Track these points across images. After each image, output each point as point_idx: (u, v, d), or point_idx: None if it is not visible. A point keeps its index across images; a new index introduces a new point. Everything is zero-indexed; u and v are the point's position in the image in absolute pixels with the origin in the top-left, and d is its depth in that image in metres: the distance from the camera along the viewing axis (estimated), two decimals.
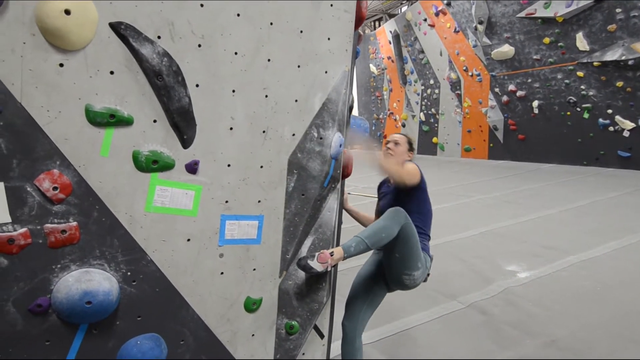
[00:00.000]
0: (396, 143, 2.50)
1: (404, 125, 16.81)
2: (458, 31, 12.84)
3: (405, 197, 2.35)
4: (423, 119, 15.60)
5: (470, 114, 13.21)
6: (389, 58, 17.17)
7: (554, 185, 8.33)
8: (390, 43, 16.69)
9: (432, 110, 15.05)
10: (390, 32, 16.41)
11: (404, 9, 16.53)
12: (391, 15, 19.85)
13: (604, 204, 6.60)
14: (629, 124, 9.00)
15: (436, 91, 14.74)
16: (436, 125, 14.99)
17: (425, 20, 14.24)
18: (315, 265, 1.83)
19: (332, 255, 1.87)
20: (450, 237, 5.38)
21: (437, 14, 13.60)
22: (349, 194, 2.74)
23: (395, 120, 17.31)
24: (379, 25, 20.09)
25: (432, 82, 14.85)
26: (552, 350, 2.81)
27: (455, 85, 13.68)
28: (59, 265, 1.43)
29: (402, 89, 16.66)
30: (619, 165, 9.31)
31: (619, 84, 8.94)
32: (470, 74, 12.83)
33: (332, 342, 2.16)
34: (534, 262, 4.38)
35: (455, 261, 4.56)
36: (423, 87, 15.41)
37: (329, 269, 1.87)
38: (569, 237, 5.11)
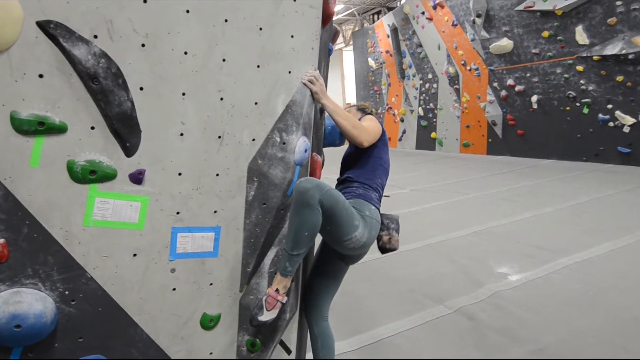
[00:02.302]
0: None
1: (402, 120, 16.65)
2: (456, 25, 12.64)
3: (357, 150, 2.17)
4: (421, 113, 15.43)
5: (469, 109, 13.03)
6: (387, 52, 16.97)
7: (552, 182, 8.19)
8: (388, 37, 16.49)
9: (431, 105, 14.88)
10: (389, 25, 16.20)
11: (402, 1, 16.31)
12: (390, 9, 19.62)
13: (601, 201, 6.46)
14: (629, 120, 8.83)
15: (434, 86, 14.55)
16: (434, 120, 14.82)
17: (423, 13, 14.03)
18: (267, 316, 1.70)
19: (277, 292, 1.73)
20: (443, 236, 5.25)
21: (434, 7, 13.40)
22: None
23: (394, 115, 17.14)
24: (378, 19, 19.87)
25: (430, 76, 14.66)
26: (539, 358, 2.70)
27: (453, 80, 13.50)
28: None
29: (401, 83, 16.48)
30: (618, 162, 9.14)
31: (619, 78, 8.76)
32: (468, 68, 12.65)
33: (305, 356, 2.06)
34: (527, 263, 4.26)
35: (446, 262, 4.45)
36: (421, 82, 15.23)
37: (284, 301, 1.74)
38: (564, 237, 4.99)
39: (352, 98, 22.99)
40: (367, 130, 2.04)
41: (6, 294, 1.32)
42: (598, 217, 5.70)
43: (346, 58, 23.93)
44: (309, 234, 1.69)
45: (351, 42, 21.29)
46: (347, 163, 2.25)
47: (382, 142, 2.19)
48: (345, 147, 2.41)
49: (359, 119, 2.18)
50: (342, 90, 24.86)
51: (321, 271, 2.16)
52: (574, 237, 4.96)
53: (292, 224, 1.71)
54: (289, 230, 1.73)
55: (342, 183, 2.18)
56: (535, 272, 4.03)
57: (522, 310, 3.33)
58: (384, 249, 2.08)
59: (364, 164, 2.14)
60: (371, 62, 18.64)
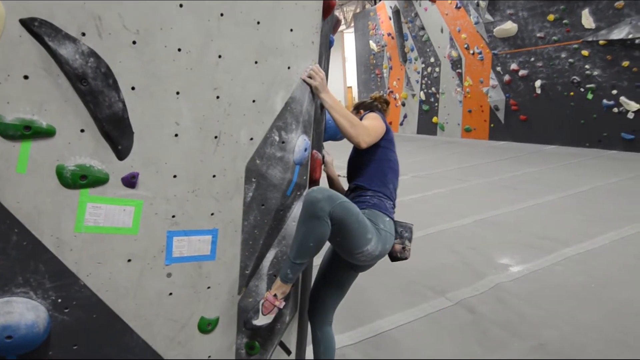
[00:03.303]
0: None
1: (403, 104, 16.49)
2: (459, 7, 12.39)
3: (361, 152, 2.03)
4: (423, 98, 15.27)
5: (471, 94, 12.88)
6: (389, 34, 16.71)
7: (554, 169, 8.12)
8: (390, 19, 16.20)
9: (433, 89, 14.70)
10: (391, 7, 15.91)
11: None
12: None
13: (605, 189, 6.40)
14: (634, 106, 8.70)
15: (437, 69, 14.35)
16: (436, 104, 14.66)
17: None
18: (262, 320, 1.66)
19: (275, 297, 1.68)
20: (444, 225, 5.21)
21: None
22: (341, 176, 2.45)
23: (395, 99, 16.96)
24: (380, 0, 19.50)
25: (432, 60, 14.45)
26: (540, 354, 2.68)
27: (456, 64, 13.30)
28: None
29: (402, 66, 16.26)
30: (622, 148, 9.05)
31: (625, 63, 8.60)
32: (471, 52, 12.45)
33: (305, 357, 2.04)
34: (528, 254, 4.23)
35: (448, 253, 4.42)
36: (423, 65, 15.02)
37: (282, 307, 1.70)
38: (566, 226, 4.95)
39: (353, 81, 22.75)
40: (366, 130, 1.91)
41: None
42: (601, 206, 5.65)
43: (347, 40, 23.61)
44: (314, 245, 1.63)
45: (352, 24, 20.96)
46: (354, 166, 2.13)
47: (387, 141, 2.08)
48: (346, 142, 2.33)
49: (362, 117, 2.10)
50: (343, 73, 24.59)
51: (329, 279, 2.10)
52: (577, 226, 4.92)
53: (298, 232, 1.64)
54: (295, 238, 1.67)
55: (353, 191, 2.06)
56: (537, 264, 4.00)
57: (524, 303, 3.31)
58: (394, 258, 2.00)
59: (374, 169, 2.03)
60: (373, 44, 18.38)
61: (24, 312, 1.29)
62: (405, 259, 2.02)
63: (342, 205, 1.64)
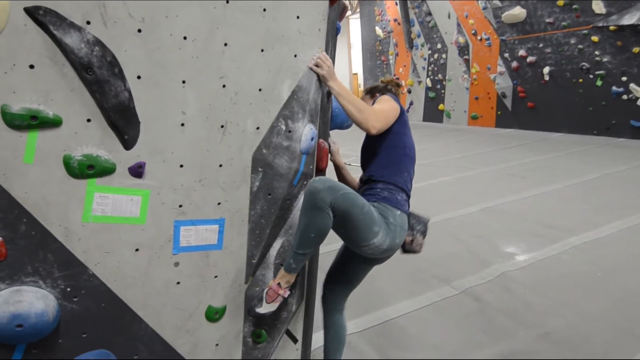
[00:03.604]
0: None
1: (409, 91, 16.35)
2: None
3: (373, 139, 1.96)
4: (429, 85, 15.12)
5: (478, 80, 12.73)
6: (395, 20, 16.49)
7: (561, 157, 8.05)
8: (396, 4, 15.98)
9: (439, 76, 14.55)
10: None
11: None
12: None
13: (612, 178, 6.34)
14: None
15: (443, 56, 14.18)
16: (443, 91, 14.52)
17: None
18: (266, 308, 1.66)
19: (279, 285, 1.68)
20: (450, 214, 5.21)
21: None
22: (348, 164, 2.41)
23: (401, 86, 16.82)
24: None
25: (439, 46, 14.26)
26: (546, 343, 2.69)
27: (463, 50, 13.13)
28: None
29: (409, 53, 16.07)
30: (630, 135, 8.94)
31: (636, 49, 8.45)
32: (479, 38, 12.27)
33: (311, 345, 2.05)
34: (535, 243, 4.22)
35: (453, 241, 4.41)
36: (430, 52, 14.84)
37: (286, 296, 1.70)
38: (573, 215, 4.92)
39: (358, 68, 22.54)
40: (376, 114, 1.82)
41: (6, 292, 1.29)
42: (608, 194, 5.61)
43: (353, 26, 23.34)
44: (315, 236, 1.60)
45: (358, 10, 20.70)
46: (367, 155, 2.04)
47: (400, 125, 1.96)
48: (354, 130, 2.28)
49: (373, 102, 2.03)
50: (348, 59, 24.37)
51: (343, 270, 2.08)
52: (583, 215, 4.89)
53: (300, 223, 1.63)
54: (297, 228, 1.65)
55: (365, 183, 1.98)
56: (543, 252, 3.99)
57: (530, 291, 3.30)
58: (404, 249, 1.96)
59: (386, 157, 1.94)
60: (379, 31, 18.15)
61: (34, 300, 1.30)
62: (415, 252, 1.96)
63: (344, 196, 1.60)
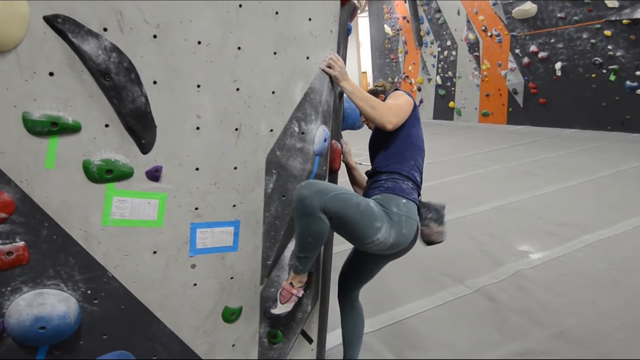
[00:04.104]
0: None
1: (419, 89, 16.28)
2: None
3: (380, 133, 1.94)
4: (439, 82, 15.04)
5: (489, 77, 12.63)
6: (404, 18, 16.43)
7: (574, 154, 7.96)
8: (405, 2, 15.91)
9: (449, 73, 14.46)
10: None
11: None
12: None
13: (627, 174, 6.26)
14: None
15: (453, 53, 14.09)
16: (453, 89, 14.43)
17: None
18: (281, 309, 1.66)
19: (292, 285, 1.69)
20: (462, 212, 5.18)
21: None
22: (359, 164, 2.41)
23: (411, 84, 16.75)
24: None
25: (449, 43, 14.18)
26: (561, 342, 2.67)
27: (473, 47, 13.03)
28: (9, 288, 1.32)
29: (418, 51, 16.00)
30: None
31: None
32: (489, 34, 12.17)
33: (325, 344, 2.06)
34: (548, 241, 4.18)
35: (466, 240, 4.39)
36: (440, 49, 14.76)
37: (300, 295, 1.70)
38: (587, 212, 4.86)
39: (367, 66, 22.49)
40: (390, 109, 1.80)
41: (29, 295, 1.33)
42: (623, 191, 5.53)
43: (361, 25, 23.29)
44: (312, 241, 1.59)
45: (367, 8, 20.66)
46: (374, 150, 2.03)
47: (411, 118, 1.94)
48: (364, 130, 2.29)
49: (385, 97, 2.02)
50: (357, 58, 24.32)
51: (357, 263, 2.07)
52: (598, 212, 4.83)
53: (296, 229, 1.63)
54: (296, 233, 1.65)
55: (371, 177, 1.96)
56: (558, 250, 3.95)
57: (544, 290, 3.28)
58: (425, 241, 1.93)
59: (391, 149, 1.91)
60: (387, 28, 18.09)
61: (56, 303, 1.33)
62: (438, 242, 1.91)
63: (334, 197, 1.56)
